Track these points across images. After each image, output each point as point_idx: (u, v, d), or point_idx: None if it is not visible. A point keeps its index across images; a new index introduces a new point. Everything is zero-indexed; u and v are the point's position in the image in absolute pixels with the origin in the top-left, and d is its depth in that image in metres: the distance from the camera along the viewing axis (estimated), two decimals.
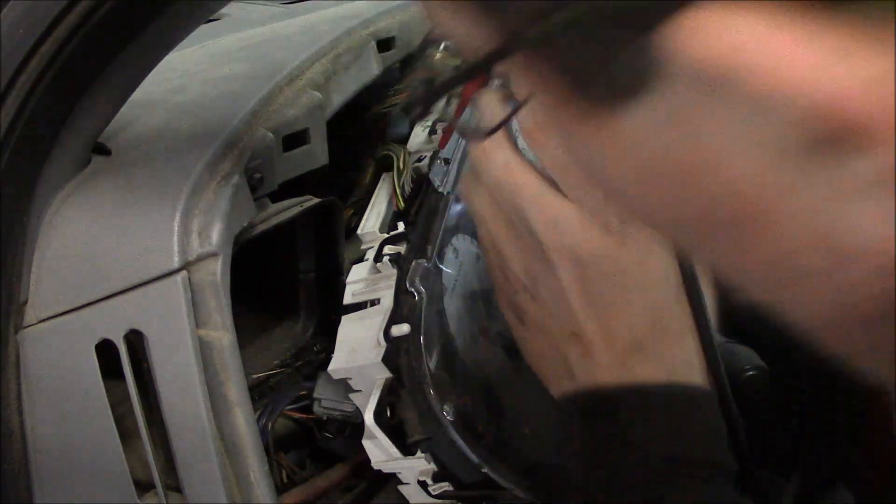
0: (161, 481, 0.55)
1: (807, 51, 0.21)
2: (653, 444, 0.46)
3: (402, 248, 0.62)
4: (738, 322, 0.79)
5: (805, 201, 0.22)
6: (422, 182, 0.63)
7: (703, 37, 0.21)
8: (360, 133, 0.79)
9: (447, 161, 0.61)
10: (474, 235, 0.60)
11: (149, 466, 0.55)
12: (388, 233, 0.65)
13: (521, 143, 0.50)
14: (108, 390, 0.55)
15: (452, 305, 0.61)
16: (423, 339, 0.57)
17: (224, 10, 0.97)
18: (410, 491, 0.60)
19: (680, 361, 0.48)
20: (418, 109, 0.51)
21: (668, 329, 0.48)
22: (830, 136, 0.21)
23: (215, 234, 0.54)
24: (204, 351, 0.53)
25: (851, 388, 0.62)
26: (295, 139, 0.64)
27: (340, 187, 0.79)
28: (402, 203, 0.66)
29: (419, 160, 0.67)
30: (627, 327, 0.48)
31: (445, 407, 0.56)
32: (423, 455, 0.57)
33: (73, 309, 0.55)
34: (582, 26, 0.21)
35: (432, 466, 0.58)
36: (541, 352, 0.51)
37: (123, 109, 0.59)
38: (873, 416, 0.60)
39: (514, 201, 0.48)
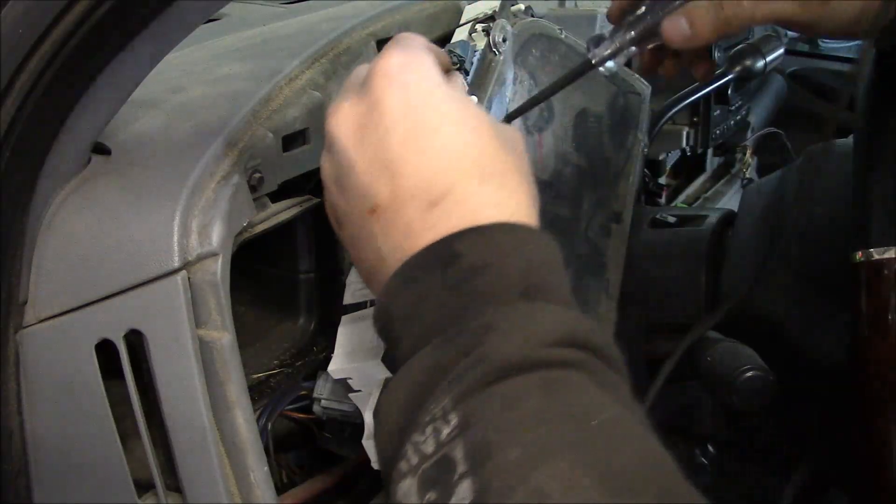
0: (161, 481, 0.55)
1: None
2: None
3: None
4: (740, 323, 0.79)
5: None
6: None
7: None
8: None
9: None
10: None
11: (149, 466, 0.55)
12: None
13: None
14: (108, 390, 0.55)
15: None
16: None
17: (224, 10, 0.98)
18: None
19: (486, 200, 0.45)
20: None
21: (465, 176, 0.45)
22: None
23: (215, 233, 0.54)
24: (204, 351, 0.53)
25: (851, 390, 0.62)
26: (295, 139, 0.64)
27: None
28: None
29: None
30: (419, 185, 0.45)
31: None
32: None
33: (73, 309, 0.55)
34: None
35: None
36: (359, 247, 0.48)
37: (123, 109, 0.59)
38: (871, 419, 0.60)
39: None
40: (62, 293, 0.56)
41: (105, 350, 0.54)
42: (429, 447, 0.38)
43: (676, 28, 0.55)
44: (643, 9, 0.56)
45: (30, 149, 0.54)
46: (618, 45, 0.58)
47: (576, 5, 1.30)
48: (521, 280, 0.42)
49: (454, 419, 0.37)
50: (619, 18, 0.59)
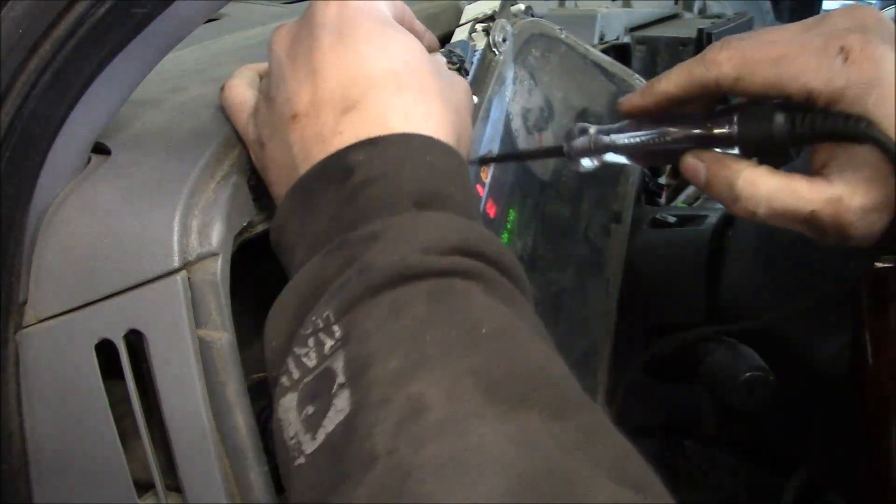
0: (161, 481, 0.55)
1: None
2: None
3: None
4: (742, 324, 0.79)
5: None
6: None
7: None
8: None
9: None
10: None
11: (148, 466, 0.55)
12: None
13: None
14: (108, 390, 0.55)
15: None
16: None
17: (224, 10, 0.97)
18: None
19: (396, 110, 0.44)
20: None
21: (381, 85, 0.44)
22: None
23: (215, 233, 0.54)
24: (204, 351, 0.53)
25: (852, 396, 0.62)
26: None
27: None
28: None
29: None
30: (336, 90, 0.44)
31: None
32: None
33: (73, 309, 0.55)
34: None
35: None
36: (277, 163, 0.48)
37: (123, 109, 0.59)
38: (872, 420, 0.60)
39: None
40: (62, 293, 0.55)
41: (105, 350, 0.54)
42: (311, 361, 0.36)
43: (695, 172, 0.52)
44: (669, 135, 0.51)
45: (30, 149, 0.54)
46: (593, 147, 0.54)
47: (576, 5, 1.29)
48: (415, 190, 0.40)
49: (338, 331, 0.36)
50: (631, 114, 0.54)
